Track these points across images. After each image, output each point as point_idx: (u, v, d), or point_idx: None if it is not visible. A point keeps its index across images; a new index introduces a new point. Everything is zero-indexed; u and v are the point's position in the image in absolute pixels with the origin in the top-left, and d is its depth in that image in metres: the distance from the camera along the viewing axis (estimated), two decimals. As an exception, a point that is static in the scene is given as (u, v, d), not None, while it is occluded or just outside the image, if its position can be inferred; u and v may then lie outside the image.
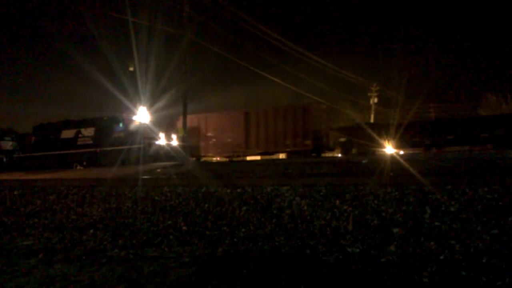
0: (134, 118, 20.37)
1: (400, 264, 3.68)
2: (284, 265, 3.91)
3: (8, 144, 23.72)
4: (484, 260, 3.57)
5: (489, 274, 3.30)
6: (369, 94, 36.16)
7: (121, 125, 19.90)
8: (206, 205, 6.14)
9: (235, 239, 4.92)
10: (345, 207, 5.29)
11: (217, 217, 5.69)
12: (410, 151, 20.93)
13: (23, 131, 25.26)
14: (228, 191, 6.47)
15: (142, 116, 20.72)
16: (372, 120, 33.72)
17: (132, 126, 19.77)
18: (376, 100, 35.79)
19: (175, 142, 22.47)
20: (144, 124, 20.11)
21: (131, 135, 19.23)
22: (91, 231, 5.81)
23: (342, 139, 21.91)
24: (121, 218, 6.23)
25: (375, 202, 5.32)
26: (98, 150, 19.78)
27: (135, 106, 21.04)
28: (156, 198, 6.86)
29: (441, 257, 3.75)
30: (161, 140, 20.68)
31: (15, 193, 8.44)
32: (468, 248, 3.87)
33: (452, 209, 4.87)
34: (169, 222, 5.80)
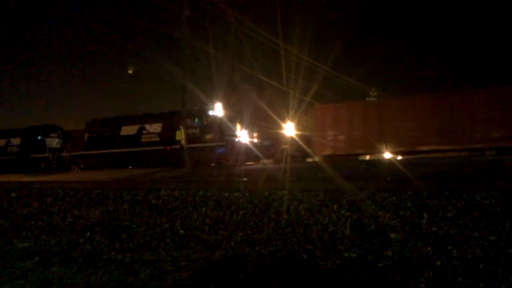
0: (211, 112, 17.39)
1: (397, 269, 3.67)
2: (281, 269, 3.89)
3: (54, 142, 20.98)
4: (481, 266, 3.56)
5: (486, 280, 3.29)
6: (367, 99, 36.18)
7: (196, 120, 17.50)
8: (204, 209, 6.14)
9: (232, 243, 4.91)
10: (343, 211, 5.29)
11: (215, 220, 5.68)
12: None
13: (70, 127, 22.54)
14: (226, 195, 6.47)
15: (218, 112, 17.94)
16: None
17: (210, 122, 17.23)
18: (374, 104, 35.78)
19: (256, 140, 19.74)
20: (223, 120, 17.43)
21: (208, 131, 17.08)
22: (88, 234, 5.79)
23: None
24: (118, 221, 6.22)
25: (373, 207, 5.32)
26: (168, 148, 17.70)
27: (211, 101, 17.98)
28: (154, 201, 6.85)
29: (438, 262, 3.75)
30: (243, 138, 17.90)
31: (12, 195, 8.43)
32: (465, 254, 3.86)
33: (449, 214, 4.87)
34: (166, 225, 5.79)
